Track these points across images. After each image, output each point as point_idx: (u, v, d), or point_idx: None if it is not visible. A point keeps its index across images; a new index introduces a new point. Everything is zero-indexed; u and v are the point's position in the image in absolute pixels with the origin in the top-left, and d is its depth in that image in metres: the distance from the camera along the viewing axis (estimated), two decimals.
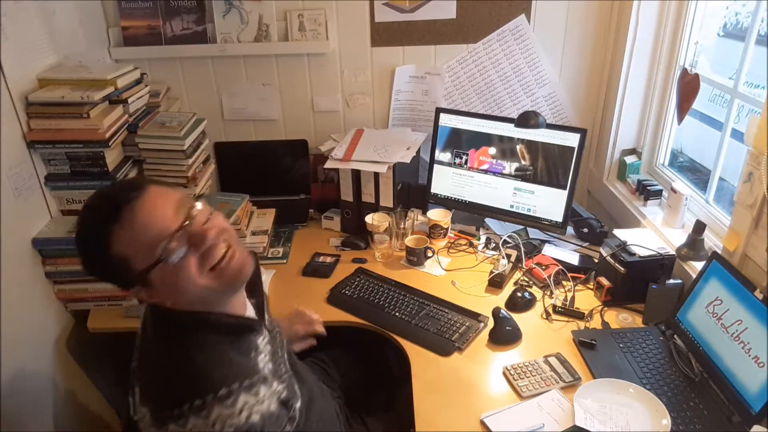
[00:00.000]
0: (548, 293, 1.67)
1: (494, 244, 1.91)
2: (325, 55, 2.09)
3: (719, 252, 1.43)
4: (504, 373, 1.38)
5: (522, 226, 2.00)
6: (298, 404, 1.07)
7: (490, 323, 1.54)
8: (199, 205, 0.95)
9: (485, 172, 1.97)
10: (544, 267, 1.74)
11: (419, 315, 1.60)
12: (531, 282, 1.74)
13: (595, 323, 1.56)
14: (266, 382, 0.96)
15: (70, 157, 1.64)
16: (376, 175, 1.95)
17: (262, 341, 1.06)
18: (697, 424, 1.21)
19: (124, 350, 1.89)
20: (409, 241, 1.88)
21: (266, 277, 1.76)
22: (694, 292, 1.43)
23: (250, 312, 1.10)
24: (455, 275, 1.80)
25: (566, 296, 1.64)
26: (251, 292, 1.14)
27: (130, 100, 1.75)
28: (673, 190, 1.71)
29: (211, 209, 0.98)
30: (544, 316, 1.59)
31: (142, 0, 1.97)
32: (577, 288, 1.69)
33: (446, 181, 2.05)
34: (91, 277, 0.95)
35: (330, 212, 2.12)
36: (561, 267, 1.73)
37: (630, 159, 2.03)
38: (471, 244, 1.96)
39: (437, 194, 2.08)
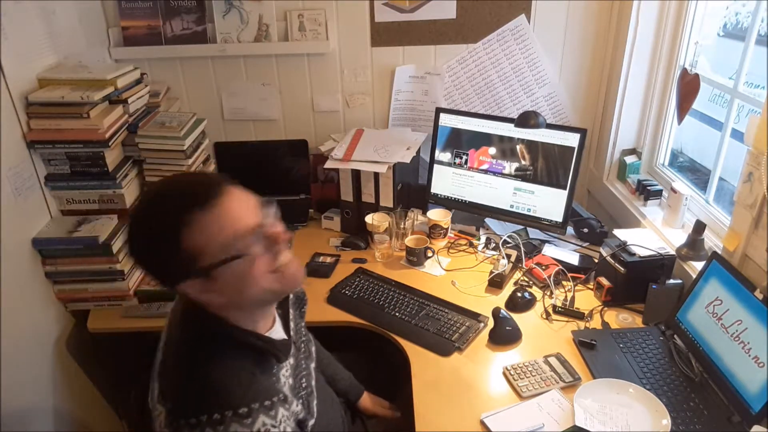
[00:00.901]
0: (548, 293, 1.67)
1: (494, 244, 1.91)
2: (325, 55, 2.09)
3: (719, 252, 1.43)
4: (504, 373, 1.38)
5: (522, 226, 2.00)
6: (311, 422, 1.08)
7: (490, 323, 1.54)
8: (271, 210, 0.96)
9: (485, 172, 1.97)
10: (544, 267, 1.74)
11: (419, 315, 1.60)
12: (531, 282, 1.73)
13: (595, 323, 1.56)
14: (285, 402, 0.95)
15: (70, 157, 1.64)
16: (376, 175, 1.95)
17: (288, 360, 1.07)
18: (697, 424, 1.21)
19: (124, 350, 1.90)
20: (409, 241, 1.88)
21: None
22: (694, 292, 1.43)
23: (278, 326, 1.09)
24: (455, 275, 1.80)
25: (566, 296, 1.64)
26: (279, 303, 1.14)
27: (130, 100, 1.75)
28: (673, 190, 1.71)
29: (278, 217, 0.99)
30: (544, 316, 1.59)
31: (142, 0, 1.97)
32: (577, 288, 1.68)
33: (446, 181, 2.05)
34: (138, 263, 0.92)
35: (330, 212, 2.12)
36: (561, 267, 1.73)
37: (630, 159, 2.03)
38: (471, 244, 1.96)
39: (437, 194, 2.08)
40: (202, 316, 0.95)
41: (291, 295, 1.24)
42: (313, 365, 1.21)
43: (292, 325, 1.16)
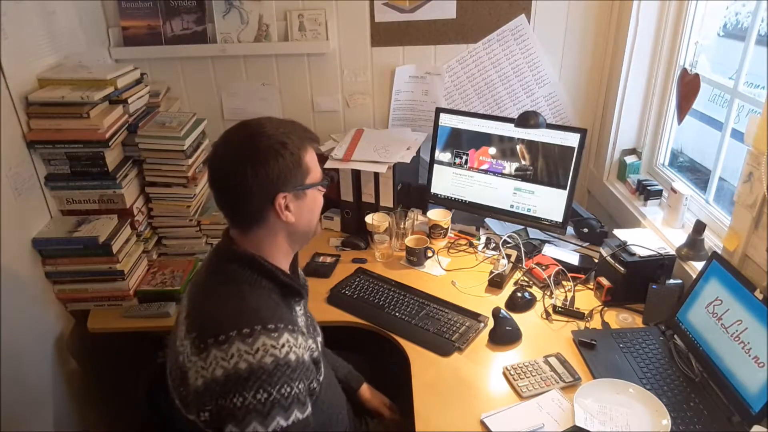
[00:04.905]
0: (548, 293, 1.67)
1: (494, 244, 1.91)
2: (325, 55, 2.09)
3: (719, 252, 1.43)
4: (504, 373, 1.38)
5: (522, 226, 2.00)
6: (320, 377, 1.14)
7: (490, 323, 1.53)
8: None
9: (485, 172, 1.97)
10: (544, 267, 1.74)
11: (419, 315, 1.60)
12: (531, 282, 1.73)
13: (595, 323, 1.56)
14: (304, 335, 1.07)
15: (70, 157, 1.64)
16: (376, 175, 1.95)
17: (301, 303, 1.20)
18: (697, 424, 1.21)
19: (124, 350, 1.90)
20: (409, 241, 1.88)
21: None
22: (694, 292, 1.43)
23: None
24: (455, 275, 1.80)
25: (566, 296, 1.64)
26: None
27: (130, 100, 1.75)
28: (673, 190, 1.71)
29: None
30: (544, 316, 1.59)
31: (142, 0, 1.97)
32: (577, 288, 1.68)
33: (446, 181, 2.05)
34: (263, 166, 1.03)
35: (330, 212, 2.12)
36: (561, 267, 1.73)
37: (630, 159, 2.02)
38: (471, 244, 1.96)
39: (437, 194, 2.08)
40: (235, 252, 1.08)
41: (304, 278, 1.35)
42: (319, 338, 1.28)
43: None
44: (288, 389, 0.94)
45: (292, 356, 0.96)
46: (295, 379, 0.96)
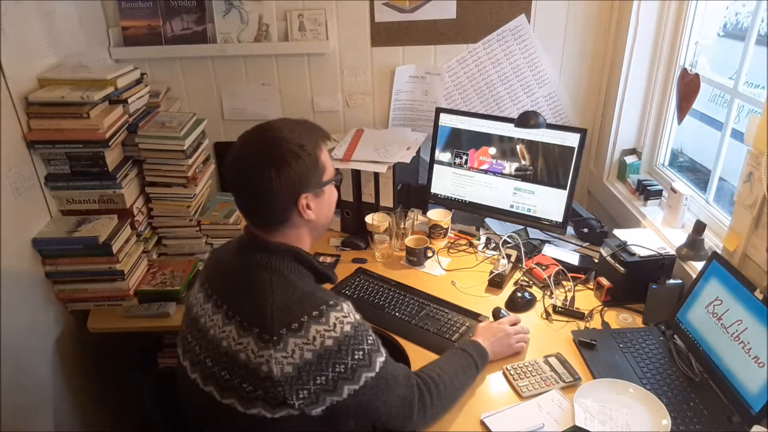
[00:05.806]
0: (548, 293, 1.67)
1: (494, 244, 1.91)
2: (325, 55, 2.09)
3: (719, 252, 1.43)
4: (504, 373, 1.38)
5: (522, 226, 2.00)
6: None
7: None
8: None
9: (485, 172, 1.97)
10: (544, 267, 1.74)
11: (419, 315, 1.60)
12: (531, 282, 1.73)
13: (595, 323, 1.56)
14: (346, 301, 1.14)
15: (70, 157, 1.64)
16: (376, 175, 1.95)
17: None
18: (697, 424, 1.21)
19: (124, 350, 1.90)
20: (409, 241, 1.88)
21: None
22: (694, 292, 1.43)
23: None
24: (455, 275, 1.80)
25: (566, 296, 1.64)
26: None
27: (130, 100, 1.75)
28: (673, 190, 1.71)
29: None
30: (544, 316, 1.59)
31: (142, 0, 1.97)
32: (577, 288, 1.68)
33: (446, 181, 2.05)
34: (284, 168, 1.05)
35: None
36: (561, 267, 1.73)
37: (630, 159, 2.03)
38: (471, 244, 1.96)
39: (437, 194, 2.08)
40: (270, 245, 1.12)
41: None
42: None
43: None
44: (371, 337, 1.10)
45: (358, 315, 1.10)
46: (368, 328, 1.11)
